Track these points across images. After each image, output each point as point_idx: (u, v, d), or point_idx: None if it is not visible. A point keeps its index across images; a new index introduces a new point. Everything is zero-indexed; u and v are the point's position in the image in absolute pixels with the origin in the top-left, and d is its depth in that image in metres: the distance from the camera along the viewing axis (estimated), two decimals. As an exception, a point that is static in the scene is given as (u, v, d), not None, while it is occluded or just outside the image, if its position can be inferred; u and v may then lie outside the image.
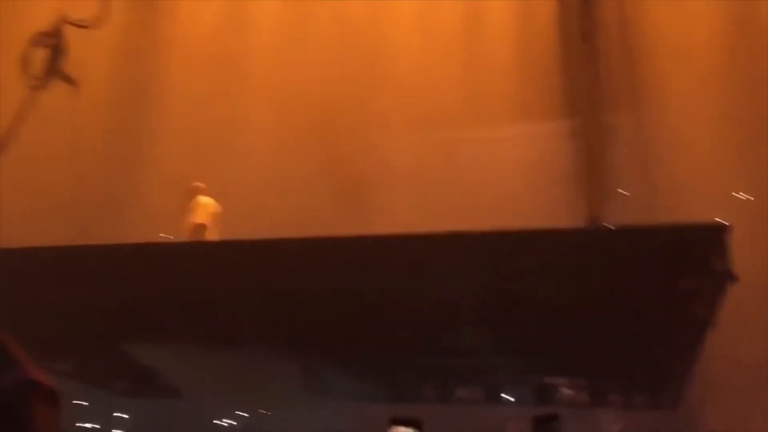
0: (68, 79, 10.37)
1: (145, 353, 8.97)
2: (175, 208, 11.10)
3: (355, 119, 13.49)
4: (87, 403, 12.41)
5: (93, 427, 13.09)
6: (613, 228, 8.41)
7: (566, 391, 9.54)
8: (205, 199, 10.29)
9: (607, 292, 7.19)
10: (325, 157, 13.05)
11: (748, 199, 13.82)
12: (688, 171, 12.89)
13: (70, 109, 10.90)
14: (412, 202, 12.60)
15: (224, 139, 13.07)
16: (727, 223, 6.63)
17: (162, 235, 10.19)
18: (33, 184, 11.80)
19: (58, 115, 11.15)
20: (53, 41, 9.72)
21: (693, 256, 6.49)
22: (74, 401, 12.51)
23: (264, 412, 10.40)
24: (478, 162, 13.13)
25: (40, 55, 10.31)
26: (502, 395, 9.35)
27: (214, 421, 11.07)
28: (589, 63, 12.10)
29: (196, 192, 10.36)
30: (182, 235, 9.71)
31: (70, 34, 10.24)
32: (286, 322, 8.21)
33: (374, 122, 13.50)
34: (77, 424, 12.68)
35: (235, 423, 10.93)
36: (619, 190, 12.08)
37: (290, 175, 12.62)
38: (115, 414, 12.75)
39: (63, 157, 11.97)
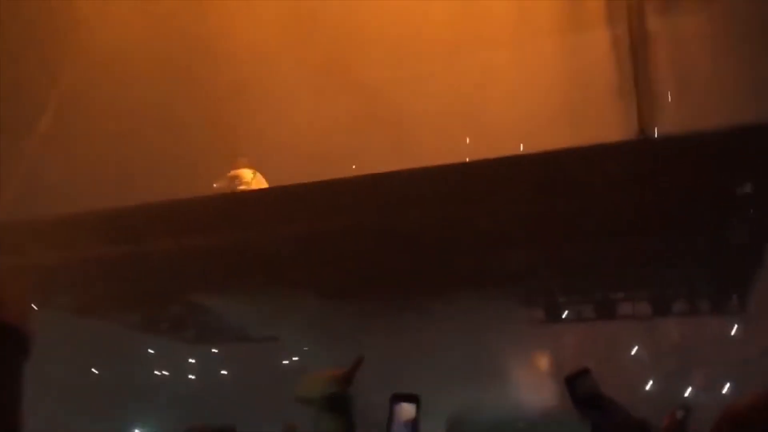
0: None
1: (212, 302, 9.24)
2: (219, 157, 11.21)
3: (388, 49, 13.25)
4: (155, 351, 12.93)
5: (163, 374, 13.66)
6: (664, 137, 8.25)
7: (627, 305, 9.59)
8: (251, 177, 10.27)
9: (665, 202, 7.10)
10: (360, 93, 12.90)
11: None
12: (734, 70, 12.47)
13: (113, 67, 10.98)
14: (454, 131, 12.47)
15: (261, 87, 13.00)
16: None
17: (215, 185, 10.33)
18: (79, 148, 11.99)
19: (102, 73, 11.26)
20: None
21: (750, 158, 6.34)
22: (146, 350, 13.07)
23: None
24: (517, 81, 12.85)
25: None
26: (564, 314, 9.42)
27: (283, 362, 11.44)
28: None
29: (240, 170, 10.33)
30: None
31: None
32: (342, 263, 8.33)
33: (407, 51, 13.25)
34: (152, 371, 13.27)
35: (303, 362, 11.27)
36: (666, 97, 11.78)
37: (327, 118, 12.56)
38: (186, 360, 13.26)
39: (110, 113, 12.08)
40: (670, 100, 11.88)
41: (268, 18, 13.06)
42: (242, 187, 10.02)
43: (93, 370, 12.40)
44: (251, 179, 10.23)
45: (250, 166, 10.50)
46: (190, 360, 12.96)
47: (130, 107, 11.73)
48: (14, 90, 10.37)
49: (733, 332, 12.61)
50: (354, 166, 11.44)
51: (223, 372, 12.33)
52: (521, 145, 12.08)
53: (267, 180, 10.55)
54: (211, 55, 12.86)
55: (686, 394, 12.74)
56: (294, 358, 11.58)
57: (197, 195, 8.85)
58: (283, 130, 12.51)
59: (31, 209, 9.52)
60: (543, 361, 10.22)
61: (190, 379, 13.11)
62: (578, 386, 2.98)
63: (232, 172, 10.40)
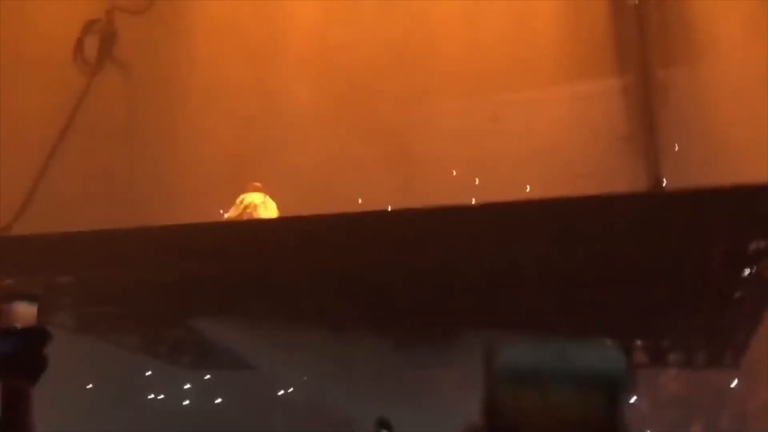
0: (121, 64, 10.59)
1: (211, 328, 9.23)
2: (225, 185, 11.28)
3: (400, 87, 13.40)
4: (152, 374, 12.85)
5: (159, 398, 13.55)
6: (678, 190, 8.29)
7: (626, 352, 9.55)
8: (264, 202, 10.31)
9: (675, 253, 7.11)
10: (372, 129, 13.02)
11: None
12: (746, 125, 12.55)
13: (123, 92, 11.11)
14: (461, 170, 12.54)
15: (270, 117, 13.13)
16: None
17: (222, 212, 10.38)
18: (90, 167, 12.08)
19: (111, 99, 11.37)
20: (105, 28, 9.93)
21: (761, 217, 6.36)
22: (142, 373, 12.99)
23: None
24: (527, 125, 12.96)
25: (93, 43, 10.53)
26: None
27: (279, 393, 11.36)
28: (639, 16, 11.77)
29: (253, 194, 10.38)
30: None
31: (120, 20, 10.44)
32: (340, 295, 8.33)
33: (419, 89, 13.38)
34: (147, 396, 13.16)
35: (299, 394, 11.21)
36: (674, 148, 11.84)
37: (338, 152, 12.66)
38: (181, 385, 13.17)
39: (117, 140, 12.20)
40: (677, 149, 11.96)
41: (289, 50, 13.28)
42: (250, 212, 10.03)
43: (88, 387, 12.33)
44: (261, 202, 10.24)
45: (261, 191, 10.52)
46: (186, 385, 12.88)
47: (139, 129, 11.86)
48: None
49: (732, 386, 12.53)
50: (360, 201, 11.51)
51: (218, 400, 12.24)
52: (528, 187, 12.14)
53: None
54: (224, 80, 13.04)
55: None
56: (289, 390, 11.52)
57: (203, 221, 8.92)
58: (294, 161, 12.60)
59: (37, 226, 9.60)
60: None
61: (185, 404, 13.03)
62: None
63: (242, 197, 10.42)
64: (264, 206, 10.28)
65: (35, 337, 1.65)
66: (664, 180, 8.59)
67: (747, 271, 6.96)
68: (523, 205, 7.57)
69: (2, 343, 1.62)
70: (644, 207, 6.97)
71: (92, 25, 11.02)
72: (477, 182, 11.83)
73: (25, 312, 1.63)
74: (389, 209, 8.44)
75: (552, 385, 0.75)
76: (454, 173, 12.43)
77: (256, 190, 10.45)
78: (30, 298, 1.65)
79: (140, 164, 12.35)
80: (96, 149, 11.78)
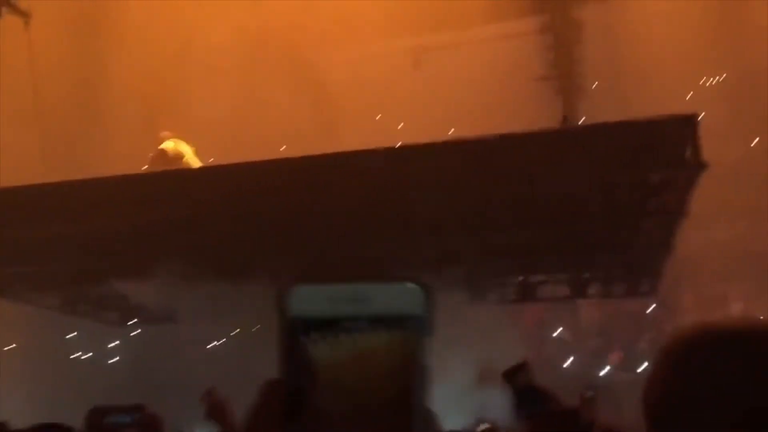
0: (20, 12, 10.03)
1: (136, 285, 9.07)
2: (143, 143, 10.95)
3: (322, 30, 13.19)
4: (77, 334, 12.62)
5: (86, 357, 13.35)
6: (586, 126, 8.48)
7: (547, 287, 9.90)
8: (179, 147, 10.04)
9: (583, 189, 7.34)
10: (295, 75, 12.84)
11: (717, 82, 13.99)
12: (657, 61, 12.92)
13: (25, 41, 10.56)
14: (383, 113, 12.53)
15: (187, 62, 12.75)
16: (696, 114, 6.72)
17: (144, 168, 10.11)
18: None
19: (12, 47, 10.82)
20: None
21: (664, 149, 6.61)
22: (67, 334, 12.75)
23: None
24: (447, 67, 12.99)
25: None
26: (488, 295, 9.65)
27: (208, 347, 11.34)
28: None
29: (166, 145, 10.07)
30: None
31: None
32: (263, 244, 8.29)
33: (340, 32, 13.21)
34: (71, 356, 12.95)
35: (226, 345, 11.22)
36: (591, 86, 12.11)
37: (262, 97, 12.44)
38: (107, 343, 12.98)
39: (23, 90, 11.63)
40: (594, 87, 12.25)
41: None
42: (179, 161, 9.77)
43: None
44: (173, 147, 9.99)
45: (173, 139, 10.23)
46: (113, 342, 12.72)
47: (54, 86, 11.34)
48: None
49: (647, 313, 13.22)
50: (283, 148, 11.39)
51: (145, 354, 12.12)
52: (452, 129, 12.23)
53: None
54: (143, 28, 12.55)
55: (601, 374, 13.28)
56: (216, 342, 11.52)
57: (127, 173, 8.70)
58: (213, 107, 12.33)
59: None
60: (469, 343, 10.45)
61: (113, 360, 12.88)
62: (517, 380, 3.07)
63: (158, 150, 10.13)
64: (190, 155, 10.04)
65: None
66: (577, 118, 8.83)
67: (652, 202, 7.26)
68: (441, 146, 7.63)
69: None
70: (553, 144, 7.13)
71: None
72: (399, 126, 11.88)
73: None
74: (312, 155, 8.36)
75: (349, 329, 0.74)
76: (376, 117, 12.42)
77: (167, 138, 10.17)
78: None
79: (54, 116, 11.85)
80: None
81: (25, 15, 10.21)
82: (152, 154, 10.12)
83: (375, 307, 0.73)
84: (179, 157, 9.99)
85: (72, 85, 12.33)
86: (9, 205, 8.21)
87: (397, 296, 0.74)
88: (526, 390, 3.07)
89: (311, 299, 0.73)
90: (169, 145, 10.02)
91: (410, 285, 0.75)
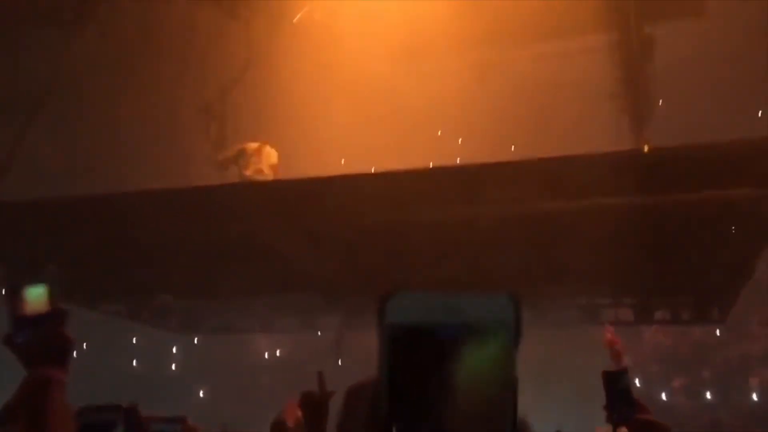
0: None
1: (200, 292, 9.16)
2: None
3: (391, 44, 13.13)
4: (137, 341, 12.84)
5: (144, 365, 13.57)
6: (661, 148, 8.25)
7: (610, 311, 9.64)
8: (264, 151, 9.78)
9: (658, 211, 7.13)
10: (361, 93, 12.81)
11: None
12: (728, 81, 12.57)
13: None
14: (450, 130, 12.45)
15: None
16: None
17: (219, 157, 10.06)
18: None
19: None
20: None
21: (746, 171, 6.37)
22: (129, 340, 12.97)
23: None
24: (513, 84, 12.84)
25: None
26: (550, 316, 9.46)
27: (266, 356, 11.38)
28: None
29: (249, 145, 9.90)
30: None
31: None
32: (337, 260, 8.25)
33: (413, 48, 13.13)
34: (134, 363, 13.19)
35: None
36: (657, 103, 11.81)
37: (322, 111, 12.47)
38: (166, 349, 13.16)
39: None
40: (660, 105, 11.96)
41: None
42: (248, 164, 9.53)
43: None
44: (255, 149, 9.73)
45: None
46: (173, 348, 12.89)
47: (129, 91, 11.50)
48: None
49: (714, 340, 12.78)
50: (343, 161, 11.41)
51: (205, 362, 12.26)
52: (513, 147, 12.10)
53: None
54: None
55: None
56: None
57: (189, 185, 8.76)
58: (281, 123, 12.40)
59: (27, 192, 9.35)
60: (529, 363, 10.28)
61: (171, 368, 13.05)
62: (618, 383, 3.07)
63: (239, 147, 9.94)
64: (261, 150, 9.78)
65: (51, 320, 1.56)
66: (649, 138, 8.57)
67: (732, 228, 7.01)
68: (506, 166, 7.52)
69: (19, 334, 1.54)
70: (626, 165, 6.94)
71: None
72: (465, 142, 11.79)
73: (34, 297, 1.54)
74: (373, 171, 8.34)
75: (442, 338, 0.76)
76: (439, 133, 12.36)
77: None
78: (36, 281, 1.57)
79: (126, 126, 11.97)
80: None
81: None
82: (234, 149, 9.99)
83: (467, 317, 0.77)
84: (256, 154, 9.72)
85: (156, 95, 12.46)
86: (84, 211, 8.33)
87: (488, 307, 0.79)
88: (625, 394, 3.07)
89: (408, 307, 0.77)
90: (252, 145, 9.83)
91: (501, 296, 0.80)
